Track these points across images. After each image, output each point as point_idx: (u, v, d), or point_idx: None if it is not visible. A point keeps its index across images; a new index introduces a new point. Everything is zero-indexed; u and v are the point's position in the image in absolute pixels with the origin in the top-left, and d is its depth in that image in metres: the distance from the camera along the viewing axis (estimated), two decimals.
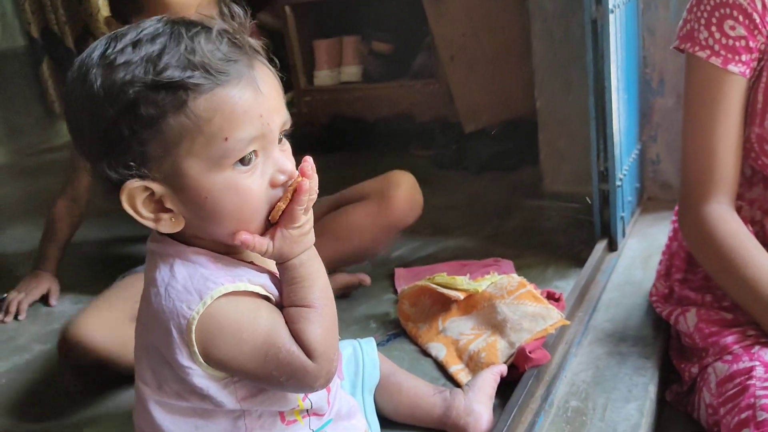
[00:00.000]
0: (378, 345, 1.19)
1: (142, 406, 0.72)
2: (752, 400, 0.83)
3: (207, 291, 0.64)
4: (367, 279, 1.43)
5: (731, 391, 0.88)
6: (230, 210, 0.65)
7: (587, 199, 1.51)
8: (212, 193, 0.64)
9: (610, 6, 1.29)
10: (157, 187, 0.64)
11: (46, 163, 2.98)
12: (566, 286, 1.35)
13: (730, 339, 0.94)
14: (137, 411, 0.74)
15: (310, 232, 0.70)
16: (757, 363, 0.87)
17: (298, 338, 0.67)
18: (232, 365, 0.66)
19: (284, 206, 0.67)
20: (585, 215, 1.60)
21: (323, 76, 2.61)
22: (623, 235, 1.51)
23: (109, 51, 0.62)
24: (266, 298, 0.69)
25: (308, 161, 0.68)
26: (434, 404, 0.96)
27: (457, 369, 1.09)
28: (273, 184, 0.67)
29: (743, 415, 0.82)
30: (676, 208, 1.12)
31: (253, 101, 0.63)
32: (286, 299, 0.69)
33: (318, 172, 1.15)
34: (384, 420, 0.97)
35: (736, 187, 1.01)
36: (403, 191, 1.35)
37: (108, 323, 1.15)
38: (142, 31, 0.62)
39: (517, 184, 2.06)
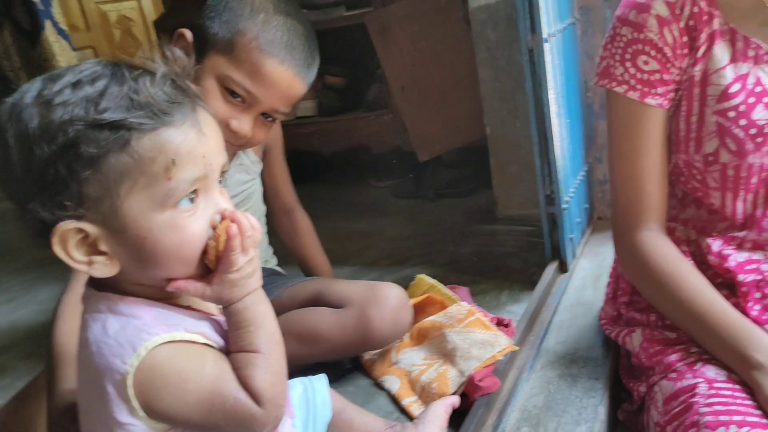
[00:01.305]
0: (333, 381, 1.19)
1: None
2: (696, 417, 0.84)
3: (141, 342, 0.63)
4: None
5: (676, 409, 0.89)
6: (170, 250, 0.64)
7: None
8: (152, 233, 0.63)
9: (545, 35, 1.33)
10: (92, 229, 0.62)
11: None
12: (520, 309, 1.36)
13: (673, 357, 0.95)
14: None
15: (254, 275, 0.69)
16: (701, 380, 0.89)
17: (245, 384, 0.66)
18: (177, 417, 0.65)
19: (217, 248, 0.66)
20: (537, 238, 1.62)
21: None
22: (573, 256, 1.54)
23: (46, 92, 0.61)
24: (208, 346, 0.67)
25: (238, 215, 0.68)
26: None
27: (410, 401, 1.09)
28: (213, 225, 0.66)
29: None
30: (613, 236, 1.15)
31: (196, 142, 0.64)
32: (233, 344, 0.68)
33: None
34: None
35: (664, 211, 1.03)
36: (388, 312, 1.15)
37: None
38: (80, 72, 0.62)
39: (472, 210, 2.08)
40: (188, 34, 1.09)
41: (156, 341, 0.63)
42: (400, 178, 2.39)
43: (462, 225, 1.97)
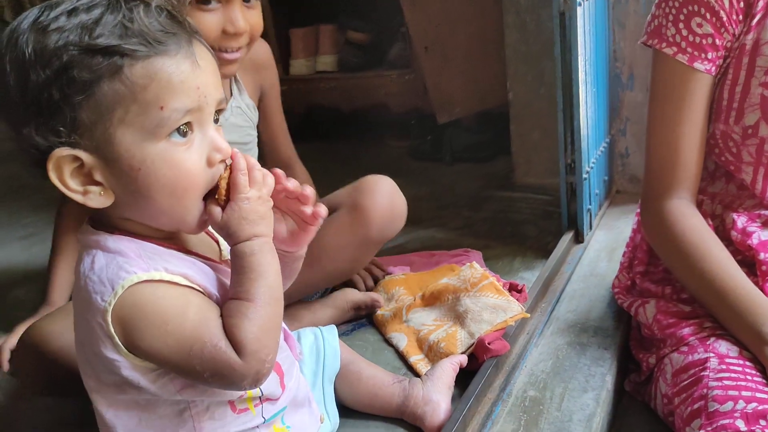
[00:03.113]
0: (343, 334, 1.20)
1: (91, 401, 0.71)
2: (705, 390, 0.84)
3: (119, 280, 0.63)
4: (380, 300, 1.27)
5: (685, 382, 0.89)
6: (163, 184, 0.64)
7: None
8: (145, 164, 0.63)
9: None
10: (87, 158, 0.62)
11: (15, 149, 2.93)
12: (532, 277, 1.36)
13: (686, 330, 0.95)
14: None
15: (265, 218, 0.68)
16: (712, 355, 0.89)
17: (229, 333, 0.64)
18: (157, 357, 0.64)
19: (226, 181, 0.66)
20: (554, 207, 1.61)
21: (299, 66, 2.58)
22: (590, 227, 1.53)
23: (42, 18, 0.61)
24: (194, 290, 0.66)
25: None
26: (393, 393, 0.96)
27: (417, 359, 1.10)
28: (210, 163, 0.66)
29: (696, 406, 0.84)
30: (640, 200, 1.13)
31: (190, 73, 0.63)
32: (231, 288, 0.68)
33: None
34: (343, 408, 0.97)
35: (697, 183, 1.02)
36: (380, 199, 1.15)
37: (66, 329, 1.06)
38: (77, 0, 0.62)
39: (489, 176, 2.07)
40: None
41: (133, 279, 0.63)
42: (417, 140, 2.37)
43: (478, 190, 1.96)
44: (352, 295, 1.27)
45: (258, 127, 1.32)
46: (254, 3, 1.10)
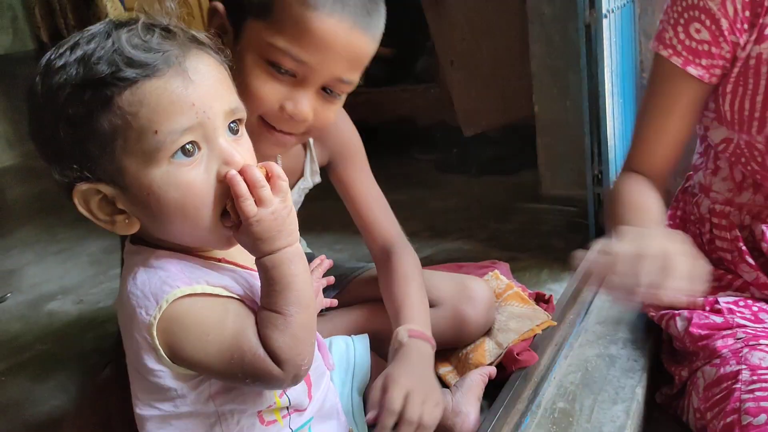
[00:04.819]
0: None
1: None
2: (737, 404, 0.83)
3: (163, 294, 0.64)
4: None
5: (718, 396, 0.88)
6: (173, 206, 0.63)
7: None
8: (152, 189, 0.62)
9: (604, 11, 1.30)
10: (105, 189, 0.63)
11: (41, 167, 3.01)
12: (560, 288, 1.35)
13: (719, 343, 0.95)
14: None
15: (283, 231, 0.65)
16: (744, 367, 0.88)
17: (264, 343, 0.65)
18: (200, 365, 0.66)
19: (231, 205, 0.64)
20: (581, 219, 1.60)
21: None
22: None
23: (52, 56, 0.62)
24: (233, 298, 0.67)
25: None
26: None
27: (446, 371, 1.10)
28: (219, 178, 0.64)
29: (728, 419, 0.83)
30: (669, 212, 1.13)
31: (182, 90, 0.61)
32: (261, 299, 0.68)
33: (322, 175, 1.09)
34: None
35: (664, 174, 1.07)
36: (482, 310, 1.10)
37: None
38: (84, 33, 0.63)
39: (515, 188, 2.07)
40: (220, 6, 0.89)
41: (176, 293, 0.64)
42: (444, 152, 2.38)
43: (505, 202, 1.96)
44: None
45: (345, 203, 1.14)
46: (336, 98, 0.91)
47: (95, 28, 0.63)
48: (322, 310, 0.97)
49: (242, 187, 0.63)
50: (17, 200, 2.73)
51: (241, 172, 0.63)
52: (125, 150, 0.61)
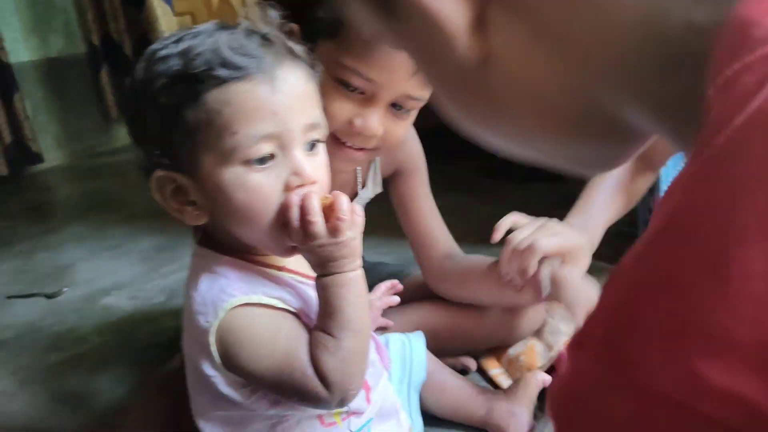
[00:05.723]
0: None
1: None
2: None
3: (221, 303, 0.66)
4: (472, 365, 1.15)
5: None
6: (237, 207, 0.65)
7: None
8: (222, 187, 0.64)
9: None
10: (180, 178, 0.66)
11: (102, 165, 3.10)
12: None
13: None
14: None
15: (344, 258, 0.66)
16: None
17: (314, 363, 0.66)
18: (252, 375, 0.67)
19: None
20: (629, 227, 1.59)
21: None
22: None
23: (157, 46, 0.66)
24: (288, 312, 0.68)
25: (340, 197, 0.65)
26: (477, 405, 0.98)
27: (497, 372, 1.11)
28: (287, 187, 0.65)
29: None
30: None
31: (267, 98, 0.63)
32: (317, 318, 0.69)
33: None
34: (426, 415, 0.99)
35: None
36: (530, 311, 1.14)
37: None
38: (191, 29, 0.66)
39: (561, 194, 2.05)
40: (295, 28, 0.92)
41: (233, 303, 0.66)
42: (487, 158, 2.37)
43: (549, 209, 1.94)
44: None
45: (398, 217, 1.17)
46: (406, 115, 0.94)
47: (203, 26, 0.66)
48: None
49: (315, 205, 0.64)
50: (68, 198, 2.81)
51: (303, 199, 0.64)
52: (204, 145, 0.64)
